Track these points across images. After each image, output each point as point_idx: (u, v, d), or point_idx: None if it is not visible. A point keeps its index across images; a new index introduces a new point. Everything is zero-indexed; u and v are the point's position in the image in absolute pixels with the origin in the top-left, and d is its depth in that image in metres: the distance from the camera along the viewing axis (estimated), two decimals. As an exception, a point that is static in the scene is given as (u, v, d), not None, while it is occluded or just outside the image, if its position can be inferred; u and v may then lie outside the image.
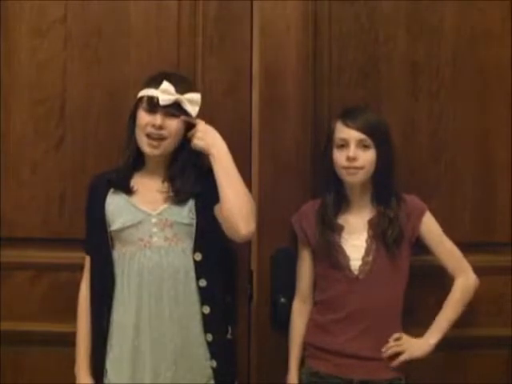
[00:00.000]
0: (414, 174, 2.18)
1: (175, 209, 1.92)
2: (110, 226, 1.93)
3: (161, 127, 1.89)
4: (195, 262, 1.91)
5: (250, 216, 1.86)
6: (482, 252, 2.19)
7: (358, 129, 1.94)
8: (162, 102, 1.88)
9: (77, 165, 2.18)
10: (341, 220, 2.01)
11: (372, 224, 1.98)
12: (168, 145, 1.91)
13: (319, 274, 2.04)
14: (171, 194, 1.92)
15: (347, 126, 1.95)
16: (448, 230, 2.10)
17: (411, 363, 2.00)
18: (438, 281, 2.07)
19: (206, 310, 1.91)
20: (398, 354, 1.97)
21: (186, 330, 1.90)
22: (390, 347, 1.96)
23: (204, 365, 1.92)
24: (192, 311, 1.91)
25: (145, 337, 1.89)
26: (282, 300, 2.09)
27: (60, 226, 2.19)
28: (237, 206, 1.85)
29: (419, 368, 2.03)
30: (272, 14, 2.16)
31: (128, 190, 1.94)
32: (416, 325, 2.06)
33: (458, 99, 2.20)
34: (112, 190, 1.96)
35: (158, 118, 1.88)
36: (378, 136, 1.95)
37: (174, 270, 1.90)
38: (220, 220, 1.89)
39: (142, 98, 1.93)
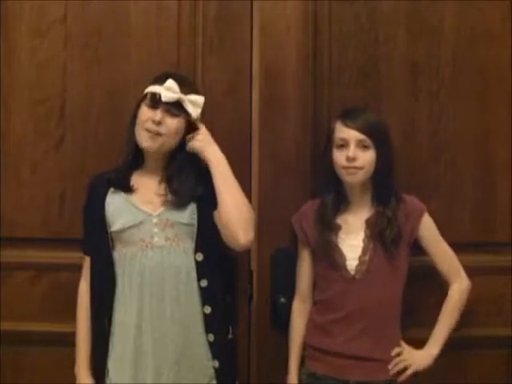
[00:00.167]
0: (414, 174, 2.18)
1: (177, 208, 1.92)
2: (110, 226, 1.93)
3: (160, 123, 1.89)
4: (196, 262, 1.91)
5: (248, 225, 1.88)
6: (482, 252, 2.20)
7: (358, 129, 1.94)
8: (164, 99, 1.88)
9: (77, 165, 2.18)
10: (340, 220, 2.01)
11: (369, 224, 1.98)
12: (165, 142, 1.91)
13: (318, 274, 2.04)
14: (169, 196, 1.92)
15: (347, 126, 1.95)
16: (448, 230, 2.10)
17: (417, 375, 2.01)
18: (438, 281, 2.06)
19: (208, 310, 1.91)
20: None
21: (187, 330, 1.90)
22: (396, 364, 1.97)
23: (206, 365, 1.92)
24: (193, 311, 1.91)
25: (147, 337, 1.88)
26: (282, 300, 2.09)
27: (60, 226, 2.19)
28: (235, 214, 1.86)
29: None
30: (272, 14, 2.16)
31: (127, 189, 1.94)
32: (416, 325, 2.06)
33: (458, 99, 2.20)
34: (112, 190, 1.96)
35: (158, 114, 1.89)
36: (377, 136, 1.95)
37: (175, 270, 1.90)
38: (218, 227, 1.89)
39: (146, 94, 1.93)
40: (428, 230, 2.01)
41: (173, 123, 1.91)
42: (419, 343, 2.02)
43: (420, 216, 2.00)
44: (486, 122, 2.21)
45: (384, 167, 1.97)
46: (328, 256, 1.99)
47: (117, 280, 1.92)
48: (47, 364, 2.17)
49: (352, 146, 1.94)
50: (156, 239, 1.91)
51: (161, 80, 1.91)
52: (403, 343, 2.01)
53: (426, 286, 2.10)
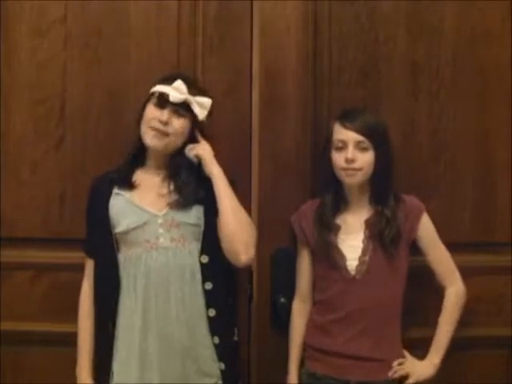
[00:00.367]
0: (413, 174, 2.18)
1: (183, 208, 1.91)
2: (114, 228, 1.92)
3: (166, 123, 1.89)
4: (202, 264, 1.91)
5: (249, 243, 1.88)
6: (482, 252, 2.20)
7: (356, 130, 1.94)
8: (172, 99, 1.89)
9: (77, 165, 2.18)
10: (339, 220, 2.01)
11: (369, 224, 1.98)
12: (171, 142, 1.92)
13: (318, 275, 2.04)
14: (173, 195, 1.92)
15: (345, 127, 1.95)
16: (448, 230, 2.10)
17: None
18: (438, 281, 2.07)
19: (212, 313, 1.91)
20: (404, 377, 1.98)
21: (192, 332, 1.89)
22: (395, 371, 1.97)
23: (212, 366, 1.91)
24: (198, 313, 1.90)
25: (152, 338, 1.87)
26: (282, 300, 2.09)
27: (60, 226, 2.19)
28: (237, 233, 1.87)
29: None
30: (272, 14, 2.16)
31: (130, 186, 1.94)
32: (416, 325, 2.06)
33: (458, 99, 2.20)
34: (115, 191, 1.95)
35: (165, 114, 1.89)
36: (376, 138, 1.95)
37: (180, 272, 1.89)
38: (219, 236, 1.88)
39: (153, 93, 1.94)
40: (426, 230, 2.01)
41: (179, 123, 1.91)
42: (419, 343, 2.02)
43: (419, 216, 2.00)
44: (486, 121, 2.21)
45: (383, 168, 1.97)
46: (328, 256, 1.98)
47: (121, 282, 1.91)
48: (47, 364, 2.17)
49: (350, 148, 1.94)
50: (161, 240, 1.90)
51: (169, 80, 1.92)
52: (406, 353, 2.01)
53: (426, 286, 2.09)
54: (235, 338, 2.00)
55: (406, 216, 1.99)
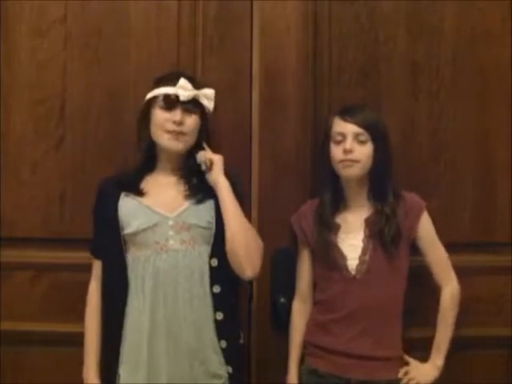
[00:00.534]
0: (413, 174, 2.18)
1: (194, 210, 1.91)
2: (123, 229, 1.90)
3: (181, 123, 1.89)
4: (211, 267, 1.90)
5: (255, 258, 1.89)
6: (482, 252, 2.20)
7: (356, 123, 1.94)
8: (182, 98, 1.89)
9: (77, 165, 2.18)
10: (339, 219, 2.01)
11: (369, 223, 1.98)
12: (188, 140, 1.92)
13: (318, 275, 2.04)
14: (189, 191, 1.92)
15: (345, 120, 1.95)
16: (448, 230, 2.10)
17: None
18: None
19: (220, 316, 1.90)
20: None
21: (200, 334, 1.88)
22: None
23: (220, 369, 1.90)
24: (205, 316, 1.89)
25: (160, 339, 1.86)
26: (282, 300, 2.09)
27: (60, 226, 2.19)
28: (243, 249, 1.87)
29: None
30: (272, 14, 2.16)
31: (139, 192, 1.92)
32: (416, 325, 2.06)
33: (458, 99, 2.20)
34: (124, 193, 1.94)
35: (177, 114, 1.89)
36: (375, 131, 1.95)
37: (189, 273, 1.88)
38: (226, 249, 1.88)
39: (155, 97, 1.92)
40: (426, 229, 2.01)
41: (192, 121, 1.91)
42: (419, 343, 2.02)
43: (419, 214, 2.00)
44: (486, 121, 2.21)
45: (381, 162, 1.97)
46: (328, 256, 1.98)
47: (129, 284, 1.89)
48: (47, 364, 2.17)
49: (349, 139, 1.94)
50: (171, 242, 1.89)
51: (171, 80, 1.91)
52: (409, 358, 2.01)
53: (426, 286, 2.09)
54: (241, 341, 1.99)
55: (406, 214, 1.98)
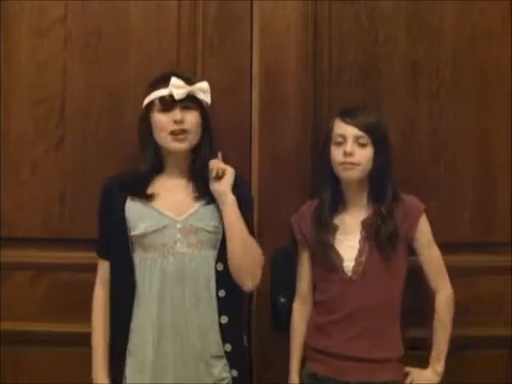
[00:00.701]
0: (413, 174, 2.18)
1: (202, 214, 1.90)
2: (131, 230, 1.90)
3: (182, 121, 1.88)
4: (217, 271, 1.90)
5: (256, 271, 1.90)
6: (482, 252, 2.20)
7: (357, 125, 1.94)
8: (177, 97, 1.88)
9: (77, 165, 2.18)
10: (337, 220, 2.01)
11: (365, 224, 1.98)
12: (192, 138, 1.91)
13: (317, 275, 2.04)
14: (197, 194, 1.91)
15: (346, 122, 1.95)
16: (448, 230, 2.10)
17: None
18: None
19: (224, 320, 1.90)
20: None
21: (205, 337, 1.88)
22: None
23: (224, 372, 1.90)
24: (211, 320, 1.89)
25: (167, 342, 1.86)
26: (282, 300, 2.09)
27: (60, 226, 2.19)
28: (244, 264, 1.88)
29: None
30: (272, 14, 2.16)
31: (147, 197, 1.91)
32: (417, 325, 2.06)
33: (458, 99, 2.20)
34: (131, 195, 1.93)
35: (177, 113, 1.88)
36: (375, 134, 1.95)
37: (195, 277, 1.88)
38: (228, 261, 1.89)
39: (151, 102, 1.92)
40: (424, 232, 2.01)
41: (193, 117, 1.90)
42: (419, 342, 2.02)
43: (418, 217, 2.00)
44: (486, 122, 2.21)
45: (381, 166, 1.97)
46: (326, 257, 1.98)
47: (136, 285, 1.89)
48: (47, 364, 2.17)
49: (350, 142, 1.94)
50: (178, 245, 1.88)
51: (162, 82, 1.90)
52: (410, 368, 2.00)
53: (426, 286, 2.09)
54: (245, 344, 1.99)
55: (405, 216, 1.98)
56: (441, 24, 2.19)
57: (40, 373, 2.17)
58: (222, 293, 1.90)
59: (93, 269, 1.99)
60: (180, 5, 2.18)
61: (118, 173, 1.99)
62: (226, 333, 1.90)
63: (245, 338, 1.99)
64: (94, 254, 2.00)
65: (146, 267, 1.89)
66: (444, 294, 2.00)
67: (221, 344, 1.90)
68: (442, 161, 2.20)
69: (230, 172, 1.92)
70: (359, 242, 1.97)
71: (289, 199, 2.14)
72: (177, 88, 1.88)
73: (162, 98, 1.90)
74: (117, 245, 1.92)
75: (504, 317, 2.18)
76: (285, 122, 2.16)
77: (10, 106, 2.18)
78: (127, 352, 1.90)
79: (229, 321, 1.90)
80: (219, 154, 1.94)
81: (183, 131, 1.89)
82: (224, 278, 1.89)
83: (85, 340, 1.96)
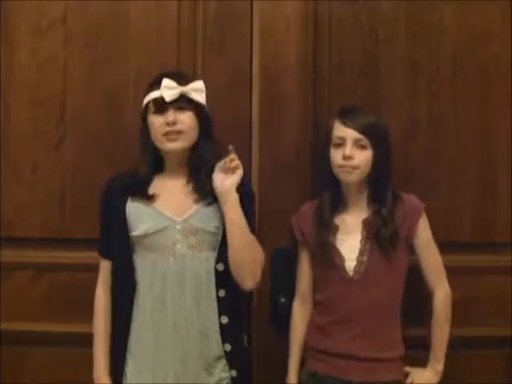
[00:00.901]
0: (413, 174, 2.18)
1: (202, 214, 1.90)
2: (131, 230, 1.90)
3: (174, 123, 1.87)
4: (217, 271, 1.90)
5: (257, 271, 1.89)
6: (482, 252, 2.20)
7: (356, 128, 1.94)
8: (167, 98, 1.87)
9: (77, 165, 2.18)
10: (337, 220, 2.01)
11: (366, 224, 1.98)
12: (186, 138, 1.89)
13: (317, 275, 2.04)
14: (197, 195, 1.90)
15: (345, 124, 1.95)
16: (448, 230, 2.10)
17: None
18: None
19: (224, 320, 1.89)
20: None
21: (206, 337, 1.88)
22: None
23: (223, 372, 1.90)
24: (211, 320, 1.89)
25: (167, 341, 1.87)
26: (282, 300, 2.09)
27: (60, 225, 2.19)
28: (245, 265, 1.87)
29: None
30: (272, 14, 2.16)
31: (148, 197, 1.91)
32: (416, 325, 2.06)
33: (458, 99, 2.20)
34: (132, 195, 1.93)
35: (169, 115, 1.87)
36: (375, 136, 1.95)
37: (196, 278, 1.88)
38: (228, 261, 1.88)
39: (147, 104, 1.92)
40: (423, 232, 2.01)
41: (186, 117, 1.89)
42: (419, 342, 2.02)
43: (419, 215, 1.99)
44: (486, 121, 2.21)
45: (381, 167, 1.97)
46: (326, 257, 1.98)
47: (137, 285, 1.89)
48: (47, 364, 2.17)
49: (349, 145, 1.93)
50: (178, 246, 1.88)
51: (156, 84, 1.90)
52: (410, 368, 2.00)
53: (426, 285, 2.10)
54: (245, 344, 1.99)
55: (405, 215, 1.98)
56: (441, 24, 2.19)
57: (40, 373, 2.17)
58: (222, 293, 1.90)
59: (93, 269, 1.99)
60: (180, 5, 2.18)
61: (119, 172, 1.99)
62: (225, 333, 1.90)
63: (245, 338, 1.99)
64: (94, 254, 2.00)
65: (147, 268, 1.89)
66: (442, 293, 2.00)
67: (221, 344, 1.90)
68: (442, 161, 2.20)
69: (239, 172, 1.89)
70: (360, 241, 1.97)
71: (289, 199, 2.14)
72: (168, 89, 1.88)
73: (155, 100, 1.89)
74: (117, 245, 1.92)
75: (504, 317, 2.18)
76: (285, 122, 2.16)
77: (10, 106, 2.19)
78: (127, 352, 1.90)
79: (229, 321, 1.90)
80: (231, 147, 1.88)
81: (177, 132, 1.88)
82: (224, 279, 1.89)
83: (85, 340, 1.96)
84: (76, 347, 2.05)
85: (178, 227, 1.89)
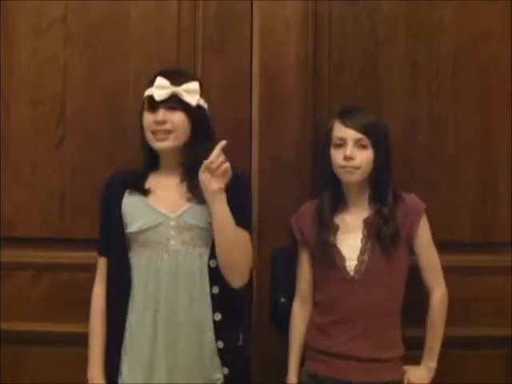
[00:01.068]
0: (413, 174, 2.18)
1: (195, 211, 1.90)
2: (126, 227, 1.91)
3: (163, 122, 1.87)
4: (210, 268, 1.90)
5: (245, 271, 1.89)
6: (482, 252, 2.20)
7: (356, 128, 1.94)
8: (157, 98, 1.87)
9: (77, 165, 2.19)
10: (337, 220, 2.01)
11: (367, 223, 1.98)
12: (175, 138, 1.89)
13: (317, 275, 2.03)
14: (190, 192, 1.90)
15: (345, 125, 1.95)
16: (448, 230, 2.10)
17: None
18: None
19: (218, 317, 1.90)
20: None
21: (199, 335, 1.88)
22: None
23: (216, 369, 1.90)
24: (204, 317, 1.89)
25: (161, 339, 1.87)
26: (282, 300, 2.09)
27: (60, 225, 2.19)
28: (232, 263, 1.87)
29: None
30: (272, 14, 2.16)
31: (143, 192, 1.92)
32: (416, 325, 2.06)
33: (458, 99, 2.20)
34: (129, 190, 1.94)
35: (159, 114, 1.88)
36: (375, 136, 1.95)
37: (189, 274, 1.88)
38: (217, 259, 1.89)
39: (144, 100, 1.92)
40: (424, 231, 2.01)
41: (176, 117, 1.89)
42: (419, 342, 2.02)
43: (419, 215, 2.00)
44: (486, 121, 2.21)
45: (381, 167, 1.97)
46: (327, 257, 1.98)
47: (132, 282, 1.90)
48: (47, 364, 2.17)
49: (350, 145, 1.93)
50: (172, 242, 1.89)
51: (152, 81, 1.90)
52: (406, 366, 2.01)
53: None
54: (240, 343, 1.98)
55: (406, 215, 1.98)
56: (441, 24, 2.19)
57: (40, 373, 2.17)
58: (215, 290, 1.90)
59: (93, 269, 1.99)
60: (180, 5, 2.18)
61: (119, 170, 1.99)
62: (219, 330, 1.90)
63: (241, 336, 1.99)
64: (93, 254, 2.00)
65: (141, 264, 1.90)
66: (439, 293, 2.01)
67: (214, 341, 1.90)
68: (442, 161, 2.20)
69: (227, 175, 1.85)
70: (361, 240, 1.97)
71: (289, 199, 2.14)
72: (160, 89, 1.88)
73: (149, 98, 1.90)
74: (114, 242, 1.93)
75: (504, 317, 2.18)
76: (285, 122, 2.16)
77: (10, 106, 2.19)
78: (122, 351, 1.90)
79: (222, 318, 1.90)
80: (223, 143, 1.85)
81: (165, 132, 1.88)
82: (217, 275, 1.89)
83: (85, 340, 1.96)
84: (76, 347, 2.04)
85: (172, 223, 1.89)
